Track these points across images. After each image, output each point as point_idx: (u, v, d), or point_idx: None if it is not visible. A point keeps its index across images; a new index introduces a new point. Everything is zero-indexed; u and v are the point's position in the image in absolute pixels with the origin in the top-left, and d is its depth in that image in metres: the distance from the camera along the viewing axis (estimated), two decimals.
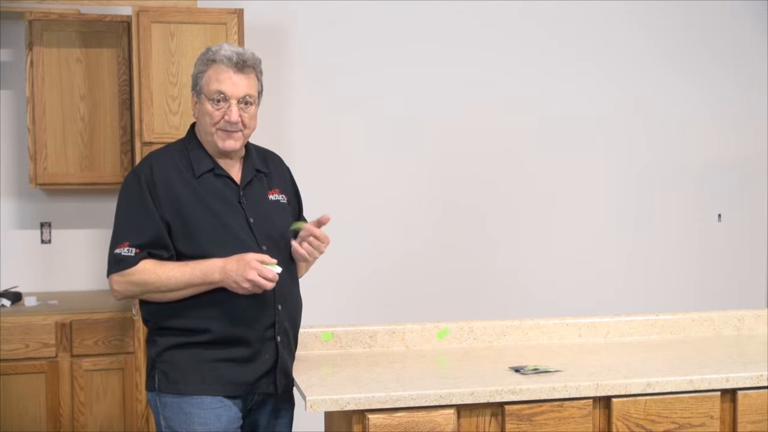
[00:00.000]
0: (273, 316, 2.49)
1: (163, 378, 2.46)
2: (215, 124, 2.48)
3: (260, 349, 2.48)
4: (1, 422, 3.86)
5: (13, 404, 3.90)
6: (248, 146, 2.63)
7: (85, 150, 4.28)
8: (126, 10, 4.26)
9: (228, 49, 2.48)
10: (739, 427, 2.61)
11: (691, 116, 5.27)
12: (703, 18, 5.26)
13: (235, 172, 2.56)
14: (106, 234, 3.57)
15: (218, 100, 2.47)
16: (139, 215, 2.44)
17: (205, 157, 2.53)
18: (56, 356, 3.96)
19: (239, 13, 4.08)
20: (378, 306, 4.76)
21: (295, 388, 2.61)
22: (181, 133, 2.75)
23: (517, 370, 2.67)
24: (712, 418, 2.59)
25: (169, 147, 2.60)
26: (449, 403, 2.42)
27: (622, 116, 5.18)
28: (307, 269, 2.70)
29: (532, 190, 5.07)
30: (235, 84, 2.47)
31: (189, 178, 2.48)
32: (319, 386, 2.50)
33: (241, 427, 2.51)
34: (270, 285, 2.39)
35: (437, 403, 2.41)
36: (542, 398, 2.48)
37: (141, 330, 3.94)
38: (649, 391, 2.55)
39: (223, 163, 2.54)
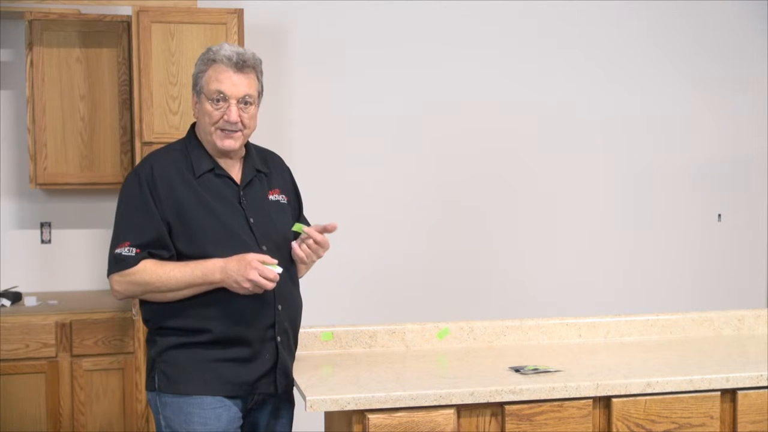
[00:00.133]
0: (273, 317, 2.49)
1: (163, 378, 2.46)
2: (214, 123, 2.48)
3: (260, 350, 2.48)
4: (1, 422, 3.86)
5: (13, 404, 3.90)
6: (248, 146, 2.63)
7: (85, 150, 4.28)
8: (126, 10, 4.26)
9: (228, 49, 2.48)
10: (739, 427, 2.61)
11: (691, 116, 5.27)
12: (703, 18, 5.25)
13: (236, 172, 2.56)
14: (106, 234, 3.58)
15: (218, 100, 2.47)
16: (140, 215, 2.44)
17: (206, 157, 2.53)
18: (56, 356, 3.96)
19: (239, 13, 4.08)
20: (378, 306, 4.76)
21: (295, 388, 2.61)
22: (181, 133, 2.75)
23: (517, 370, 2.67)
24: (712, 418, 2.59)
25: (170, 147, 2.60)
26: (449, 403, 2.42)
27: (621, 116, 5.18)
28: (306, 270, 2.70)
29: (531, 189, 5.07)
30: (234, 84, 2.47)
31: (189, 178, 2.48)
32: (319, 386, 2.50)
33: (241, 427, 2.51)
34: (271, 285, 2.39)
35: (437, 403, 2.41)
36: (542, 398, 2.48)
37: (141, 330, 3.94)
38: (649, 391, 2.56)
39: (223, 163, 2.54)
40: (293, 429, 2.67)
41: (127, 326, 4.01)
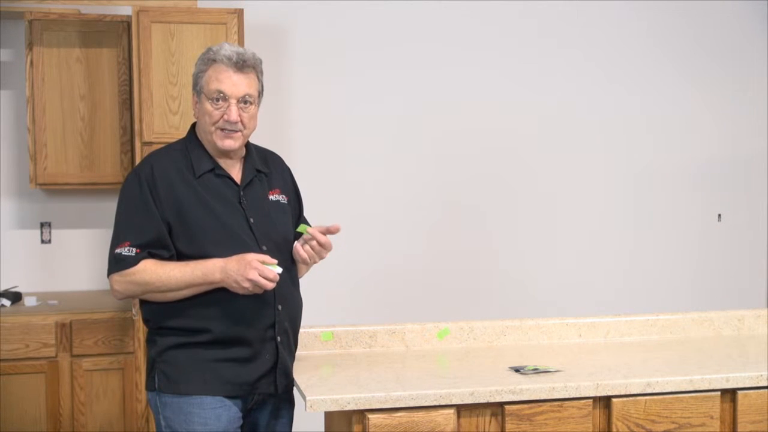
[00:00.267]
0: (273, 317, 2.49)
1: (163, 378, 2.46)
2: (214, 123, 2.48)
3: (260, 350, 2.48)
4: (1, 422, 3.86)
5: (13, 404, 3.90)
6: (249, 146, 2.63)
7: (85, 150, 4.28)
8: (126, 10, 4.26)
9: (228, 48, 2.49)
10: (739, 427, 2.61)
11: (691, 116, 5.27)
12: (703, 18, 5.25)
13: (236, 172, 2.56)
14: (106, 234, 3.58)
15: (218, 100, 2.47)
16: (140, 215, 2.44)
17: (206, 157, 2.53)
18: (56, 356, 3.96)
19: (239, 13, 4.08)
20: (378, 306, 4.76)
21: (295, 388, 2.61)
22: (181, 133, 2.75)
23: (517, 370, 2.67)
24: (712, 418, 2.59)
25: (170, 147, 2.60)
26: (449, 403, 2.42)
27: (621, 116, 5.18)
28: (306, 271, 2.70)
29: (531, 189, 5.07)
30: (234, 84, 2.47)
31: (189, 178, 2.48)
32: (319, 386, 2.50)
33: (241, 427, 2.51)
34: (270, 285, 2.39)
35: (437, 403, 2.41)
36: (542, 398, 2.48)
37: (141, 330, 3.94)
38: (649, 391, 2.56)
39: (223, 163, 2.54)
40: (293, 429, 2.67)
41: (127, 326, 4.01)
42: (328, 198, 4.63)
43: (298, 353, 2.70)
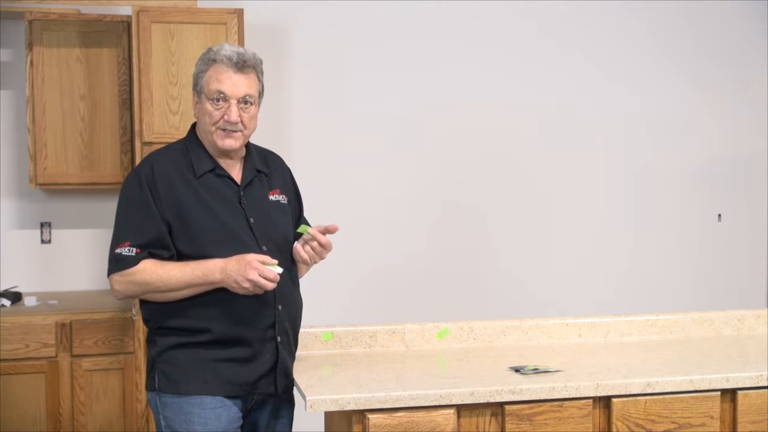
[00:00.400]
0: (273, 317, 2.49)
1: (163, 378, 2.46)
2: (215, 123, 2.48)
3: (260, 350, 2.48)
4: (1, 422, 3.86)
5: (13, 404, 3.90)
6: (249, 146, 2.63)
7: (85, 150, 4.28)
8: (126, 10, 4.26)
9: (229, 49, 2.49)
10: (739, 427, 2.61)
11: (691, 116, 5.27)
12: (703, 18, 5.25)
13: (236, 172, 2.56)
14: (106, 234, 3.58)
15: (218, 100, 2.47)
16: (140, 215, 2.44)
17: (206, 157, 2.53)
18: (56, 356, 3.96)
19: (239, 13, 4.08)
20: (378, 306, 4.76)
21: (295, 388, 2.61)
22: (181, 133, 2.75)
23: (517, 370, 2.67)
24: (712, 418, 2.59)
25: (170, 147, 2.60)
26: (449, 403, 2.42)
27: (621, 116, 5.18)
28: (306, 271, 2.70)
29: (531, 189, 5.07)
30: (235, 84, 2.47)
31: (190, 178, 2.48)
32: (319, 386, 2.50)
33: (241, 427, 2.51)
34: (271, 285, 2.39)
35: (437, 403, 2.41)
36: (542, 398, 2.48)
37: (141, 330, 3.94)
38: (649, 391, 2.56)
39: (223, 163, 2.54)
40: (293, 429, 2.67)
41: (127, 326, 4.01)
42: (328, 198, 4.63)
43: (298, 353, 2.70)
